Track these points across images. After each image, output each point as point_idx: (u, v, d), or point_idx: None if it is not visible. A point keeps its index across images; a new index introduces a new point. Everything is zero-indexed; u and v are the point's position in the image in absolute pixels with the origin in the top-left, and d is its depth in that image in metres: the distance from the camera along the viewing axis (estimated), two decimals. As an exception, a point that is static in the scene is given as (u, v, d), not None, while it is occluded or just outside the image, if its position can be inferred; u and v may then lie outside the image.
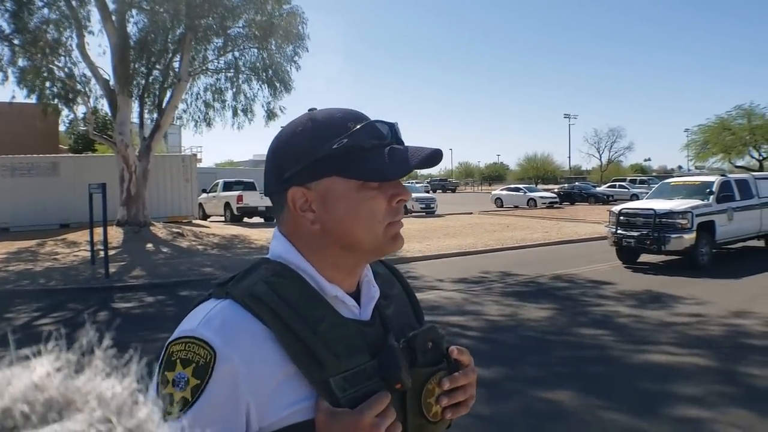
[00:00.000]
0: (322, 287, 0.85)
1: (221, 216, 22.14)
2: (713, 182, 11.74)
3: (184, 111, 18.17)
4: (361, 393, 0.79)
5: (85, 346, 0.30)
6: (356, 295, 0.89)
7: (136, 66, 15.97)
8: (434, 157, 0.85)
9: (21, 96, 16.62)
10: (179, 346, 0.76)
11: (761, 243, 13.09)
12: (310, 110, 0.90)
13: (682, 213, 10.68)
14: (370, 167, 0.83)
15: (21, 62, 15.68)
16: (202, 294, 0.87)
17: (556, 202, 32.71)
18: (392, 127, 0.87)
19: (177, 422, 0.36)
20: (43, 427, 0.26)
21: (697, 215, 10.74)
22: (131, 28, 15.82)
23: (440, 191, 59.27)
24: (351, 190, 0.83)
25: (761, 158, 35.60)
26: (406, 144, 0.89)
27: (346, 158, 0.83)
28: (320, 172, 0.84)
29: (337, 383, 0.78)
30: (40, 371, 0.28)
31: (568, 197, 36.59)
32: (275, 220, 0.92)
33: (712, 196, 11.30)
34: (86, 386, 0.28)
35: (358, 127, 0.84)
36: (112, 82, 15.38)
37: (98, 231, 11.31)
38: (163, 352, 0.78)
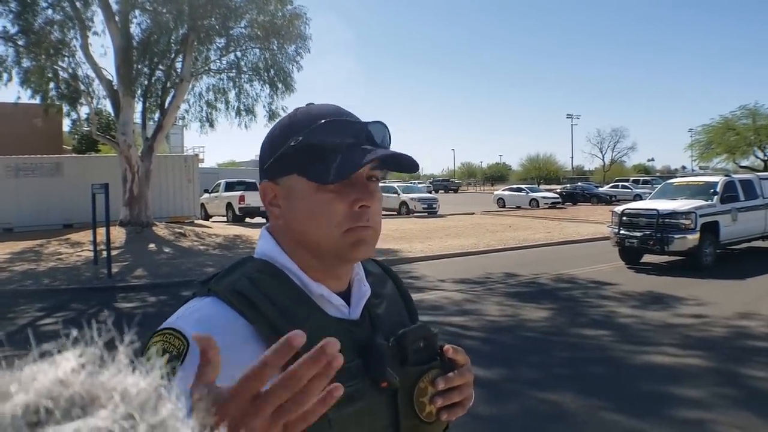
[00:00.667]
0: (307, 286, 0.82)
1: (223, 216, 22.14)
2: (717, 182, 11.69)
3: (187, 111, 18.27)
4: (345, 393, 0.77)
5: (107, 342, 0.31)
6: (347, 294, 0.87)
7: (139, 66, 16.00)
8: (397, 161, 0.81)
9: (25, 97, 16.71)
10: (159, 337, 0.75)
11: (766, 244, 13.03)
12: (307, 105, 0.88)
13: (686, 213, 10.64)
14: (322, 168, 0.79)
15: (25, 63, 15.75)
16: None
17: (559, 203, 32.62)
18: (364, 127, 0.82)
19: None
20: (67, 422, 0.27)
21: (701, 216, 10.70)
22: (134, 29, 15.90)
23: (442, 191, 59.23)
24: (311, 190, 0.81)
25: (766, 158, 35.45)
26: (392, 147, 0.84)
27: (304, 156, 0.80)
28: (283, 168, 0.83)
29: None
30: (65, 366, 0.28)
31: (571, 197, 36.48)
32: None
33: (715, 197, 11.26)
34: (110, 382, 0.28)
35: (316, 124, 0.80)
36: (115, 83, 15.42)
37: (101, 231, 11.32)
38: (144, 346, 0.78)
